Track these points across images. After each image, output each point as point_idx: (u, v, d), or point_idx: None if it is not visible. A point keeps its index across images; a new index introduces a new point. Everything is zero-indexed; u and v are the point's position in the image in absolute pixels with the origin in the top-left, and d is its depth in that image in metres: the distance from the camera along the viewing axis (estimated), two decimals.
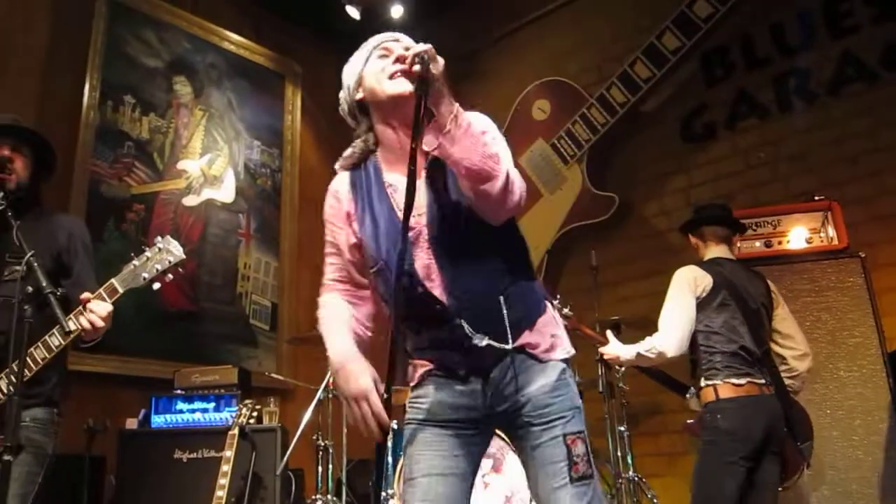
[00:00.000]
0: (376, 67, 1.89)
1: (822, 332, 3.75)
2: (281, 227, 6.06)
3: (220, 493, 3.45)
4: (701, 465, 3.07)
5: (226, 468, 3.50)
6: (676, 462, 4.50)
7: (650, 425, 4.85)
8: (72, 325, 2.19)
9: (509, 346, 1.75)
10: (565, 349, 1.84)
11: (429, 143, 1.68)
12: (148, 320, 4.88)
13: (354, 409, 1.72)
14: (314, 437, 4.24)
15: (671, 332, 3.14)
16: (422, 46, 1.68)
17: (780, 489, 3.17)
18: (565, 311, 3.65)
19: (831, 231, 3.92)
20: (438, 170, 1.83)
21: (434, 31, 6.84)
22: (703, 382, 3.13)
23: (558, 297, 3.72)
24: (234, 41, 6.04)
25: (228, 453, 3.56)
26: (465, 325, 1.75)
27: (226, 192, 5.73)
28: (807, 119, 4.69)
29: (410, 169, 1.62)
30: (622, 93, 5.30)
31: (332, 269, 2.00)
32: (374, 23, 6.23)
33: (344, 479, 4.23)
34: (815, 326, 3.75)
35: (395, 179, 1.86)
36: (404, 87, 1.77)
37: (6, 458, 1.91)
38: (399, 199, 1.78)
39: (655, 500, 4.00)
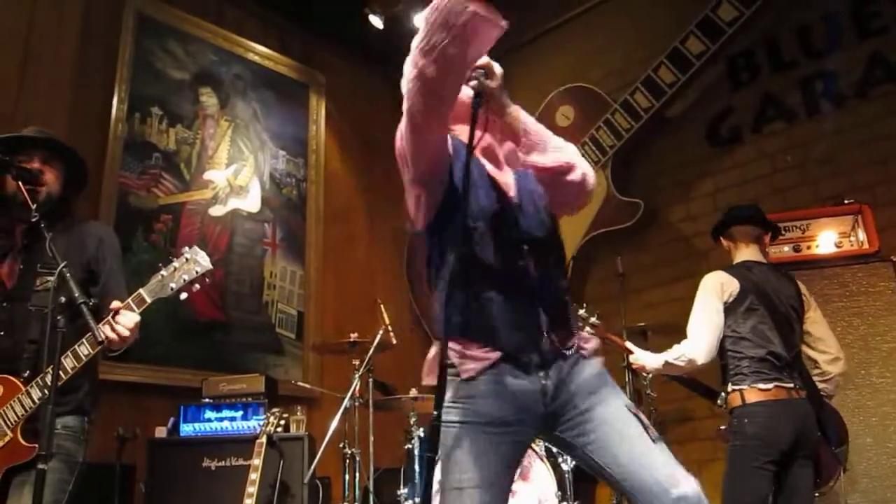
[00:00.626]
0: None
1: (853, 337, 3.70)
2: (306, 236, 6.09)
3: (249, 502, 3.46)
4: (729, 471, 3.04)
5: (254, 476, 3.51)
6: (706, 469, 4.44)
7: (679, 433, 4.80)
8: (102, 335, 2.19)
9: (574, 349, 1.83)
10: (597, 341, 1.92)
11: (512, 160, 1.91)
12: (177, 330, 4.93)
13: None
14: (341, 446, 4.25)
15: (700, 339, 3.11)
16: (480, 61, 1.76)
17: (815, 495, 3.12)
18: (593, 319, 3.62)
19: (861, 235, 3.86)
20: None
21: None
22: (730, 388, 3.10)
23: (585, 304, 3.69)
24: (259, 52, 6.10)
25: (256, 461, 3.57)
26: (542, 313, 1.80)
27: (252, 202, 5.77)
28: (835, 121, 4.63)
29: (464, 175, 1.66)
30: (646, 98, 5.27)
31: None
32: (397, 32, 6.28)
33: (371, 488, 4.23)
34: (847, 332, 3.70)
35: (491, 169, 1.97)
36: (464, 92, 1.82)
37: (40, 466, 1.92)
38: (500, 181, 1.92)
39: None
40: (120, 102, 5.02)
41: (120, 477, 3.88)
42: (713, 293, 3.17)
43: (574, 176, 1.83)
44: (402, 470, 4.35)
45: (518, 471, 3.73)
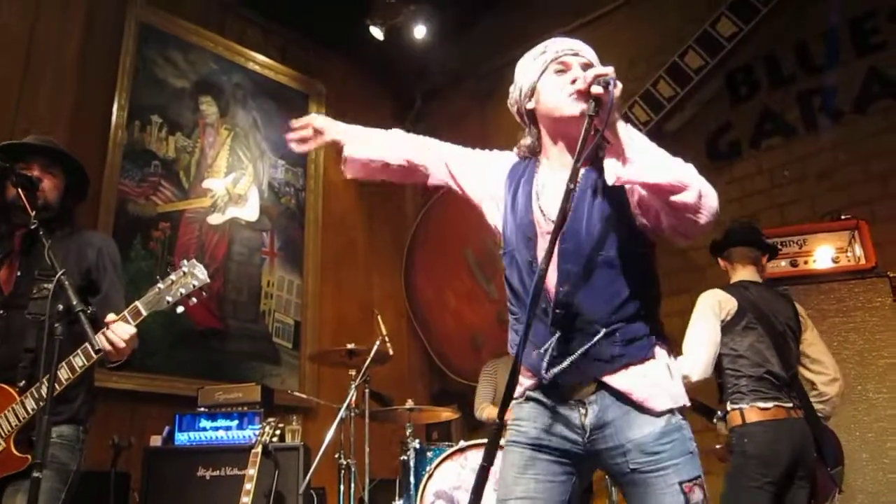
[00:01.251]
0: (554, 84, 1.86)
1: (850, 352, 3.70)
2: (305, 245, 6.10)
3: None
4: (728, 491, 3.03)
5: (249, 486, 3.50)
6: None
7: None
8: (98, 344, 2.20)
9: (587, 383, 1.75)
10: (672, 399, 1.75)
11: (610, 175, 1.70)
12: (174, 338, 4.92)
13: None
14: (336, 456, 4.23)
15: (696, 356, 3.10)
16: (605, 69, 1.67)
17: None
18: None
19: (859, 250, 3.87)
20: (594, 189, 1.82)
21: (456, 50, 6.90)
22: (729, 406, 3.09)
23: None
24: (259, 62, 6.12)
25: (251, 471, 3.56)
26: (555, 338, 1.76)
27: (250, 211, 5.78)
28: (833, 137, 4.65)
29: (569, 187, 1.62)
30: (645, 112, 5.29)
31: (444, 146, 2.14)
32: (399, 42, 6.31)
33: (366, 499, 4.22)
34: (843, 347, 3.69)
35: (543, 181, 1.89)
36: (580, 108, 1.75)
37: (35, 474, 1.91)
38: (543, 203, 1.84)
39: None
40: (120, 110, 5.03)
41: (115, 485, 3.86)
42: (710, 311, 3.16)
43: (685, 197, 1.63)
44: (398, 481, 4.34)
45: None
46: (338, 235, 6.45)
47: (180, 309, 2.38)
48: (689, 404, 1.80)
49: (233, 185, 5.69)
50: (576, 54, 1.90)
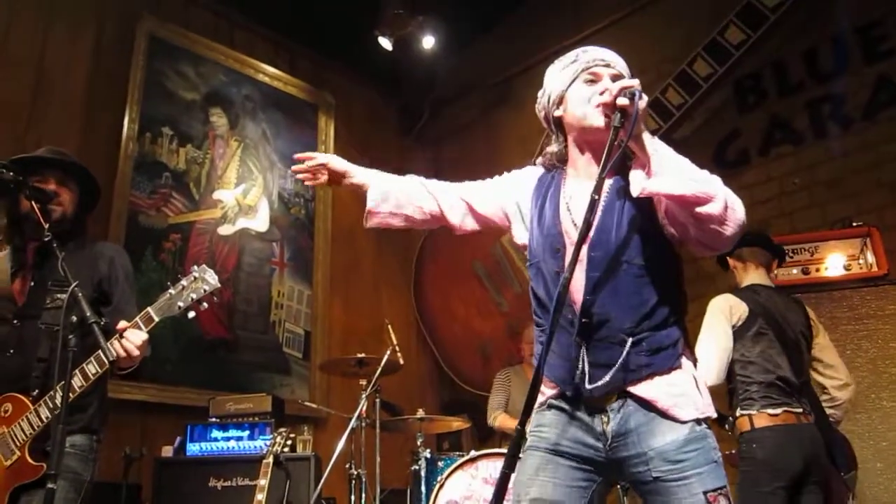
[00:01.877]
0: (583, 94, 1.88)
1: (862, 360, 3.68)
2: (314, 255, 6.12)
3: None
4: (739, 498, 3.01)
5: (260, 497, 3.50)
6: None
7: None
8: (113, 354, 2.21)
9: (601, 384, 1.73)
10: (697, 409, 1.75)
11: (635, 187, 1.72)
12: (184, 349, 4.94)
13: None
14: (347, 466, 4.23)
15: (708, 362, 3.09)
16: (631, 81, 1.70)
17: None
18: None
19: (870, 257, 3.85)
20: (621, 199, 1.83)
21: (465, 60, 6.93)
22: (738, 412, 3.08)
23: None
24: (269, 73, 6.15)
25: (263, 482, 3.56)
26: (583, 350, 1.77)
27: (260, 222, 5.80)
28: (843, 144, 4.64)
29: (594, 198, 1.64)
30: (654, 120, 5.28)
31: (459, 185, 2.11)
32: (406, 54, 6.34)
33: None
34: (856, 355, 3.68)
35: (571, 192, 1.90)
36: (604, 121, 1.79)
37: (49, 485, 1.92)
38: (573, 214, 1.85)
39: None
40: (131, 122, 5.07)
41: (126, 496, 3.87)
42: (721, 316, 3.15)
43: (710, 208, 1.63)
44: (409, 491, 4.33)
45: None
46: (347, 245, 6.46)
47: (192, 314, 2.37)
48: (714, 415, 1.79)
49: (243, 196, 5.72)
50: (607, 65, 1.91)
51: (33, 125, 4.59)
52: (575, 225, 1.84)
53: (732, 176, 5.12)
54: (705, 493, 1.66)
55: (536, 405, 1.89)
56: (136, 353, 2.26)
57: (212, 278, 2.37)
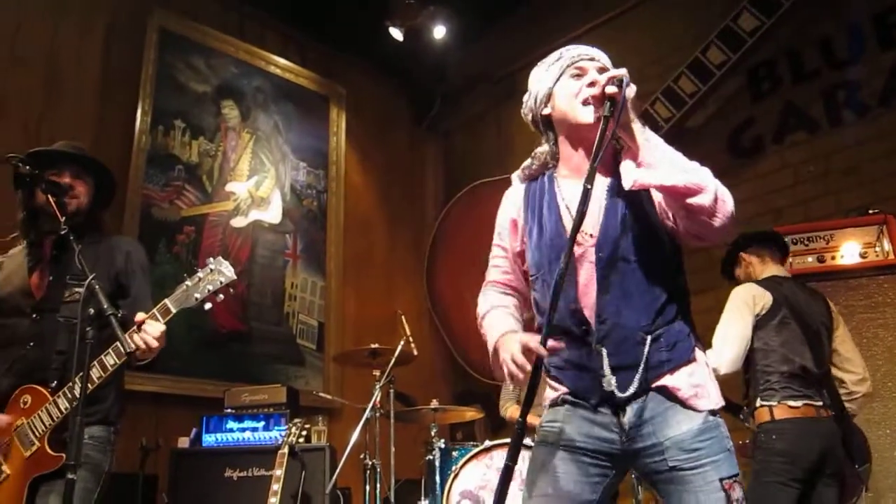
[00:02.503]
0: (569, 89, 1.88)
1: (879, 349, 3.66)
2: (327, 247, 6.13)
3: None
4: (754, 487, 3.00)
5: (276, 487, 3.52)
6: None
7: None
8: (131, 346, 2.23)
9: (635, 389, 1.72)
10: (712, 401, 1.76)
11: (627, 180, 1.72)
12: (199, 341, 4.97)
13: (502, 363, 1.73)
14: (361, 457, 4.25)
15: (726, 350, 3.08)
16: (618, 71, 1.70)
17: None
18: None
19: (887, 245, 3.82)
20: (621, 196, 1.82)
21: (476, 50, 6.90)
22: (758, 402, 3.07)
23: None
24: (280, 65, 6.15)
25: (279, 472, 3.58)
26: (604, 355, 1.75)
27: (273, 214, 5.82)
28: (858, 131, 4.60)
29: (586, 187, 1.65)
30: (667, 108, 5.25)
31: (495, 271, 2.08)
32: (417, 45, 6.32)
33: (392, 499, 4.23)
34: (873, 343, 3.65)
35: (570, 195, 1.88)
36: (594, 114, 1.79)
37: (69, 475, 1.94)
38: (571, 216, 1.81)
39: None
40: (143, 115, 5.09)
41: (143, 487, 3.91)
42: (744, 305, 3.14)
43: (701, 200, 1.65)
44: (423, 481, 4.34)
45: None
46: (359, 237, 6.47)
47: (208, 306, 2.39)
48: (724, 405, 1.80)
49: (255, 189, 5.73)
50: (592, 59, 1.91)
51: (46, 119, 4.62)
52: (588, 227, 1.82)
53: (747, 164, 5.10)
54: (721, 480, 1.67)
55: (549, 400, 1.90)
56: (154, 344, 2.28)
57: (228, 270, 2.38)
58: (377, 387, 4.21)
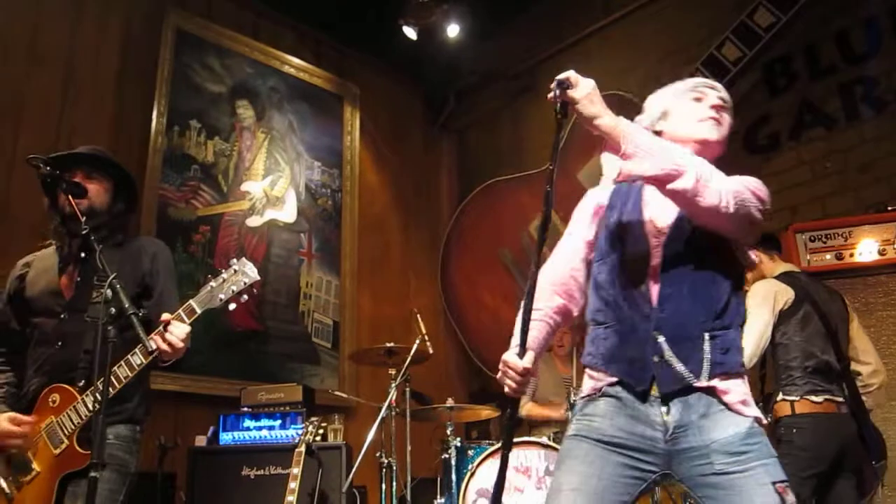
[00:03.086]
0: (688, 109, 1.97)
1: None
2: (342, 246, 6.14)
3: None
4: None
5: (293, 485, 3.54)
6: None
7: None
8: (153, 346, 2.26)
9: (703, 382, 1.72)
10: (756, 411, 1.75)
11: (612, 171, 1.82)
12: (216, 340, 4.99)
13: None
14: (377, 455, 4.26)
15: (746, 346, 3.07)
16: (564, 74, 1.74)
17: None
18: None
19: None
20: None
21: (490, 48, 6.89)
22: (779, 396, 3.06)
23: None
24: (294, 65, 6.17)
25: (296, 470, 3.60)
26: (662, 341, 1.75)
27: (288, 213, 5.84)
28: (876, 127, 4.55)
29: (547, 190, 1.70)
30: None
31: (559, 257, 2.07)
32: (431, 43, 6.32)
33: (409, 497, 4.24)
34: (892, 341, 3.63)
35: (653, 196, 1.90)
36: (711, 133, 1.91)
37: (93, 474, 1.96)
38: (651, 210, 1.88)
39: None
40: (159, 116, 5.11)
41: (161, 485, 3.93)
42: (767, 302, 3.13)
43: (681, 184, 1.67)
44: (439, 480, 4.35)
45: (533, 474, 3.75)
46: (374, 236, 6.48)
47: (232, 306, 2.44)
48: (766, 421, 1.79)
49: (270, 188, 5.75)
50: (712, 87, 2.01)
51: (64, 120, 4.66)
52: (655, 224, 1.86)
53: (763, 161, 5.06)
54: (774, 483, 1.63)
55: (586, 392, 1.88)
56: (179, 345, 2.31)
57: (251, 271, 2.43)
58: (393, 385, 4.21)
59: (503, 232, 6.40)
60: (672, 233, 1.82)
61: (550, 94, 1.72)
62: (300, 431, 3.84)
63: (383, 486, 4.24)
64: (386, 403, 4.13)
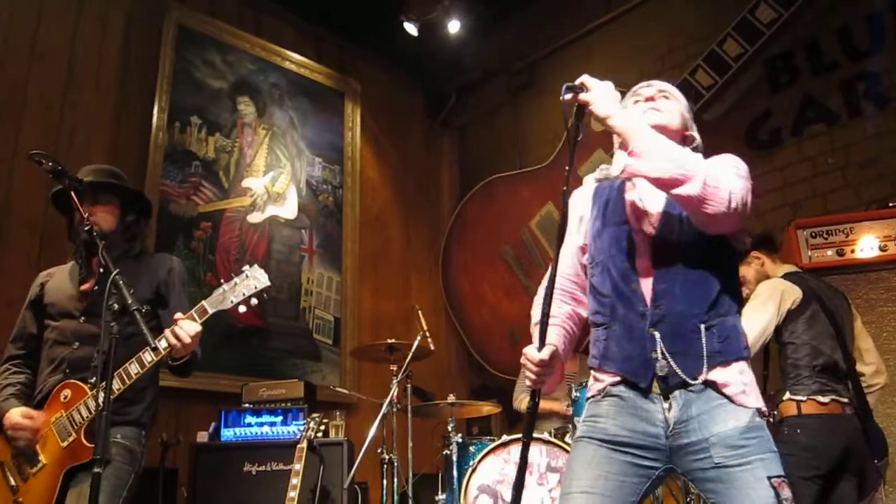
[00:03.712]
0: (633, 111, 2.02)
1: None
2: (343, 242, 6.14)
3: None
4: None
5: (295, 481, 3.54)
6: None
7: None
8: (163, 344, 2.37)
9: (703, 376, 1.74)
10: (759, 400, 1.76)
11: (618, 168, 1.83)
12: (217, 336, 4.99)
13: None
14: (379, 451, 4.26)
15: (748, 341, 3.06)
16: (578, 80, 1.83)
17: None
18: None
19: None
20: None
21: (491, 44, 6.89)
22: (786, 396, 3.06)
23: None
24: (295, 61, 6.17)
25: (298, 466, 3.60)
26: (658, 338, 1.78)
27: (289, 209, 5.84)
28: (878, 123, 4.55)
29: (563, 191, 1.77)
30: None
31: (561, 263, 2.05)
32: (432, 39, 6.32)
33: (410, 493, 4.25)
34: (893, 337, 3.63)
35: (642, 191, 1.92)
36: (653, 118, 1.95)
37: (96, 469, 1.99)
38: (634, 209, 1.91)
39: None
40: (160, 112, 5.11)
41: (164, 481, 3.93)
42: (772, 300, 3.12)
43: (687, 189, 1.67)
44: (440, 475, 4.35)
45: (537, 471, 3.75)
46: (375, 232, 6.48)
47: (242, 309, 2.57)
48: (766, 411, 1.79)
49: (272, 184, 5.75)
50: (649, 86, 2.08)
51: (65, 117, 4.65)
52: (647, 214, 1.88)
53: (765, 157, 5.06)
54: (770, 478, 1.65)
55: (591, 394, 1.91)
56: (188, 340, 2.39)
57: (262, 277, 2.59)
58: (394, 381, 4.22)
59: (504, 228, 6.39)
60: (659, 229, 1.85)
61: (562, 97, 1.78)
62: (302, 427, 3.84)
63: (385, 483, 4.24)
64: (387, 400, 4.13)
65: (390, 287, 6.48)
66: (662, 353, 1.76)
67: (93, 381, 2.42)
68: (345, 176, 6.31)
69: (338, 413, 4.58)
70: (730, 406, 1.73)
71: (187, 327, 2.40)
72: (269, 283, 2.59)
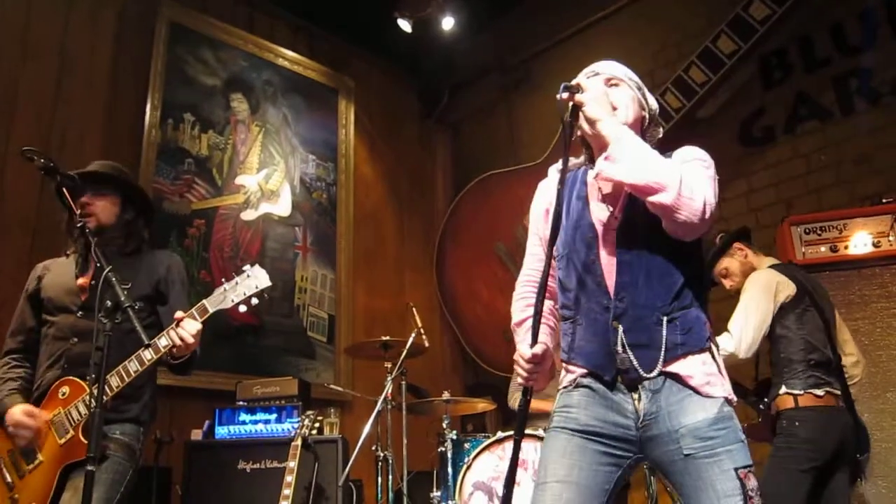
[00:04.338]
0: None
1: (893, 339, 3.64)
2: (337, 239, 6.13)
3: None
4: (774, 473, 3.00)
5: (290, 479, 3.53)
6: None
7: None
8: (163, 342, 2.38)
9: (661, 368, 1.76)
10: (725, 389, 1.78)
11: (595, 169, 1.85)
12: (211, 334, 4.95)
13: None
14: (373, 448, 4.26)
15: (746, 334, 3.07)
16: (574, 80, 1.88)
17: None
18: None
19: None
20: None
21: (484, 41, 6.88)
22: (782, 390, 3.06)
23: None
24: (288, 58, 6.15)
25: (292, 464, 3.59)
26: (620, 332, 1.80)
27: (282, 207, 5.82)
28: (871, 120, 4.56)
29: (558, 189, 1.79)
30: (677, 98, 5.22)
31: (531, 259, 2.15)
32: (426, 36, 6.31)
33: (405, 490, 4.24)
34: (886, 333, 3.64)
35: (595, 186, 1.96)
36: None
37: (89, 468, 1.98)
38: (595, 203, 1.93)
39: None
40: (153, 109, 5.09)
41: (158, 479, 3.93)
42: (768, 292, 3.12)
43: (661, 198, 1.70)
44: (435, 473, 4.35)
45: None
46: (369, 229, 6.48)
47: (243, 308, 2.57)
48: (735, 400, 1.81)
49: (265, 182, 5.74)
50: (595, 74, 2.09)
51: (58, 114, 4.63)
52: (611, 210, 1.89)
53: (758, 154, 5.08)
54: (736, 469, 1.68)
55: (563, 385, 1.93)
56: (190, 340, 2.40)
57: (263, 277, 2.60)
58: (389, 379, 4.21)
59: (498, 225, 6.39)
60: (623, 221, 1.86)
61: (558, 96, 1.82)
62: (296, 425, 3.83)
63: (380, 480, 4.24)
64: (382, 397, 4.12)
65: (384, 284, 6.47)
66: (623, 347, 1.79)
67: (91, 377, 2.39)
68: (339, 173, 6.30)
69: (332, 410, 4.58)
70: (696, 397, 1.75)
71: (189, 326, 2.41)
72: (270, 283, 2.59)
